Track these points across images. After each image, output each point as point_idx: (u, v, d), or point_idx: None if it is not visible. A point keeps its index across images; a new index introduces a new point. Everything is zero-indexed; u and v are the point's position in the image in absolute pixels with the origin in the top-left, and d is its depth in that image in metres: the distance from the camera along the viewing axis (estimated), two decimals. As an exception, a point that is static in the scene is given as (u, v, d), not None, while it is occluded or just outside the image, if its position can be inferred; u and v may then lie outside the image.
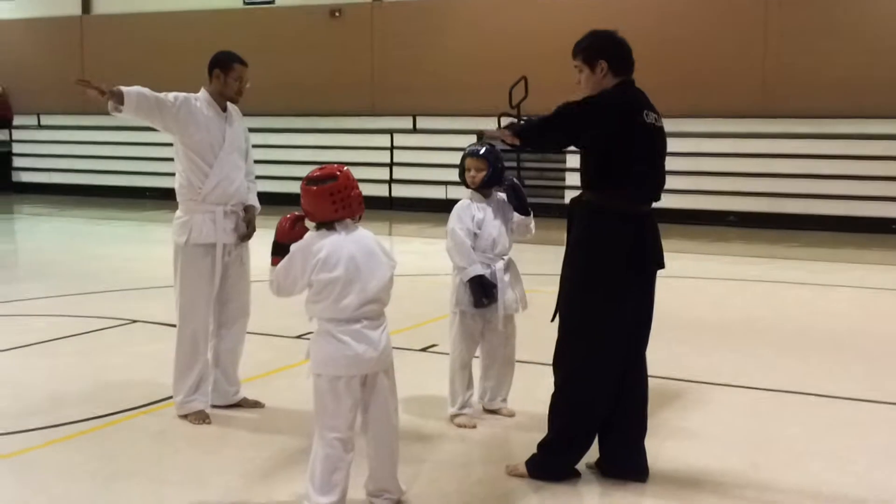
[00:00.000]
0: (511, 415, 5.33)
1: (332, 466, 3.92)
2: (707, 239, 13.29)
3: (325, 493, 3.92)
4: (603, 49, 4.34)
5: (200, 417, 5.27)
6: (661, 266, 4.44)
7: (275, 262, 4.01)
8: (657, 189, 4.39)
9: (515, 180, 5.26)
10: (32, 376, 6.25)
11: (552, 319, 4.47)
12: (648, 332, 4.46)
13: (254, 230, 5.44)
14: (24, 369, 6.44)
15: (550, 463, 4.44)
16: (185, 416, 5.29)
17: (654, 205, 4.43)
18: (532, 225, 5.32)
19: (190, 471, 4.61)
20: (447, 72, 16.73)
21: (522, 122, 4.79)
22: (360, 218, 4.04)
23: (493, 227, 5.18)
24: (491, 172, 5.16)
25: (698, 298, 9.03)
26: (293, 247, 3.96)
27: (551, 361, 4.46)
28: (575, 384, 4.37)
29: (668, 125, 13.43)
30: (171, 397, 5.45)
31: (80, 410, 5.45)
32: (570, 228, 4.43)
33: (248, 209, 5.44)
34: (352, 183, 3.97)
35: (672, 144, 15.87)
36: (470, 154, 5.20)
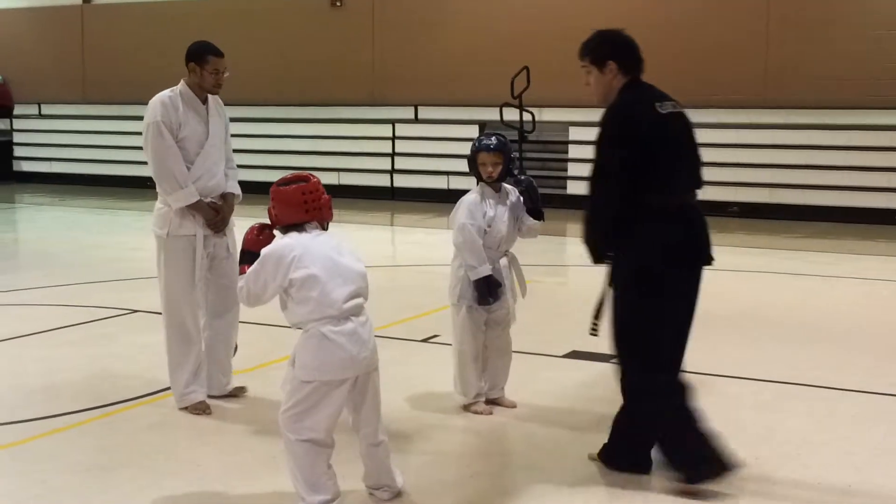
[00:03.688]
0: (513, 406, 5.31)
1: (311, 461, 3.86)
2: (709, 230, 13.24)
3: (316, 491, 3.87)
4: (612, 50, 4.30)
5: (200, 408, 5.25)
6: (709, 261, 4.32)
7: (243, 271, 3.98)
8: (691, 177, 4.28)
9: (532, 180, 5.18)
10: (31, 366, 6.24)
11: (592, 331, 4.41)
12: (690, 329, 4.40)
13: (224, 223, 5.37)
14: (23, 359, 6.43)
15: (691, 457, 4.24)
16: (185, 409, 5.27)
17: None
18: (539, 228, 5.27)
19: (189, 462, 4.59)
20: (449, 61, 16.66)
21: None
22: (327, 226, 4.03)
23: (503, 224, 5.13)
24: (506, 164, 5.09)
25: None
26: (264, 250, 3.91)
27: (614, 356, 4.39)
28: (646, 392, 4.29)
29: (671, 115, 12.70)
30: (170, 387, 5.43)
31: (79, 401, 5.44)
32: (616, 230, 4.26)
33: (225, 197, 5.41)
34: (321, 189, 4.00)
35: (674, 135, 15.23)
36: (484, 149, 5.09)
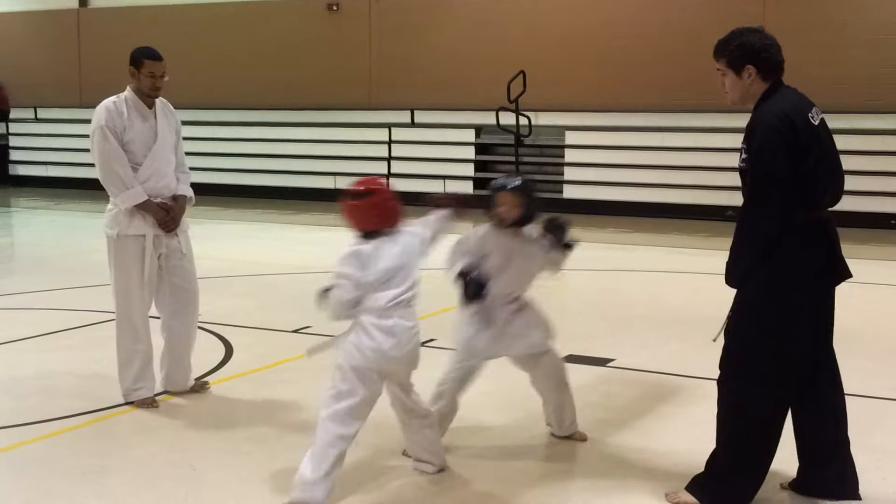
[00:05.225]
0: (582, 439, 4.89)
1: (330, 441, 4.03)
2: (705, 234, 13.27)
3: (318, 469, 4.02)
4: (751, 54, 4.02)
5: (148, 403, 5.37)
6: (847, 276, 4.03)
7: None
8: (836, 191, 4.04)
9: (563, 223, 4.64)
10: (26, 370, 6.22)
11: (714, 339, 4.20)
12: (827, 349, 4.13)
13: (175, 223, 5.43)
14: (18, 363, 6.42)
15: (728, 487, 4.04)
16: (131, 403, 5.37)
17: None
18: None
19: (184, 465, 4.58)
20: (445, 66, 16.67)
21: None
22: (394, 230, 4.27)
23: (500, 268, 4.60)
24: (527, 208, 4.56)
25: (697, 294, 9.00)
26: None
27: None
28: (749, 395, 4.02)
29: (669, 120, 13.37)
30: (164, 392, 5.51)
31: (73, 405, 5.43)
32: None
33: (177, 199, 5.48)
34: (390, 195, 4.25)
35: (672, 139, 15.78)
36: (501, 188, 4.54)
